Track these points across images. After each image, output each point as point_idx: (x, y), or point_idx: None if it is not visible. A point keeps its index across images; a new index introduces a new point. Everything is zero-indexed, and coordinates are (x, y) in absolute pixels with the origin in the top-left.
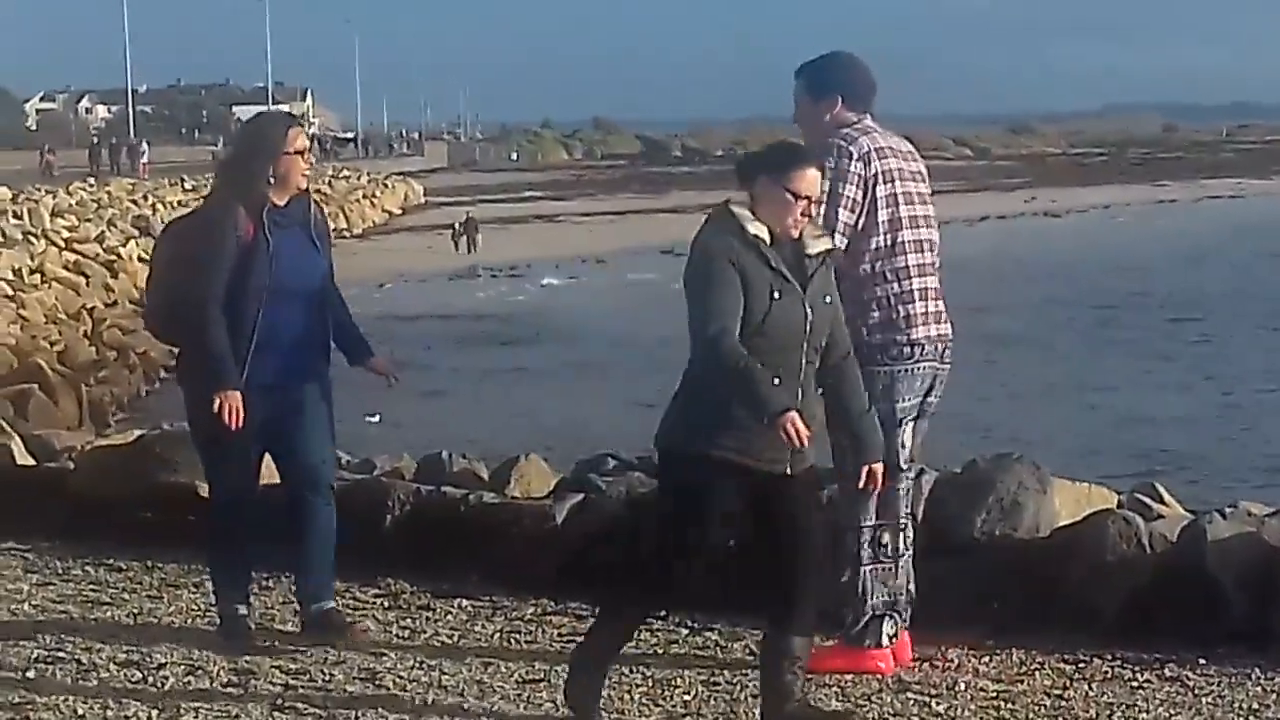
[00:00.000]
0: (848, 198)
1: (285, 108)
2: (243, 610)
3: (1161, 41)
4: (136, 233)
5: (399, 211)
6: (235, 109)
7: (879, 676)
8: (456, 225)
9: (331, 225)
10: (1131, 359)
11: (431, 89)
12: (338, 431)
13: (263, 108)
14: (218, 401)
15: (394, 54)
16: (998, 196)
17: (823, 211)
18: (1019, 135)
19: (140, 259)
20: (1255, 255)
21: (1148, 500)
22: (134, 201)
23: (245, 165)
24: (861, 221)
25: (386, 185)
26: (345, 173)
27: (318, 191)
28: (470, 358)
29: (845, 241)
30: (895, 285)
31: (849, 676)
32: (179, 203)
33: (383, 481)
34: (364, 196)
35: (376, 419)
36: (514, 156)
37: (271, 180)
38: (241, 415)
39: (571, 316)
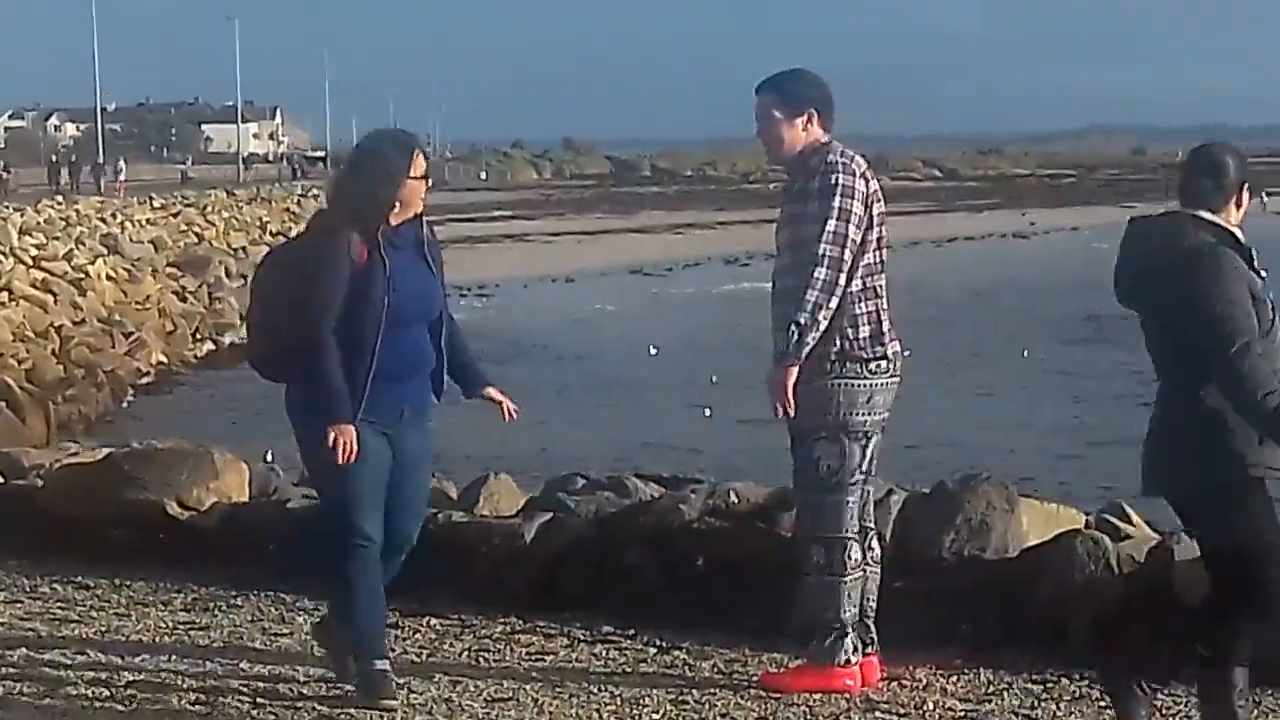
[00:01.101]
0: (855, 214)
1: (253, 126)
2: (386, 666)
3: (1133, 64)
4: (105, 251)
5: None
6: (204, 127)
7: (847, 696)
8: None
9: None
10: (1097, 379)
11: (402, 108)
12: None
13: (230, 125)
14: (331, 436)
15: (364, 72)
16: (966, 217)
17: (831, 228)
18: (987, 156)
19: (108, 277)
20: None
21: (1115, 520)
22: (103, 220)
23: (367, 190)
24: (859, 237)
25: None
26: (315, 191)
27: (285, 210)
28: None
29: (850, 257)
30: (881, 301)
31: (817, 696)
32: (148, 221)
33: None
34: None
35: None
36: (483, 176)
37: (395, 207)
38: (356, 450)
39: (540, 336)
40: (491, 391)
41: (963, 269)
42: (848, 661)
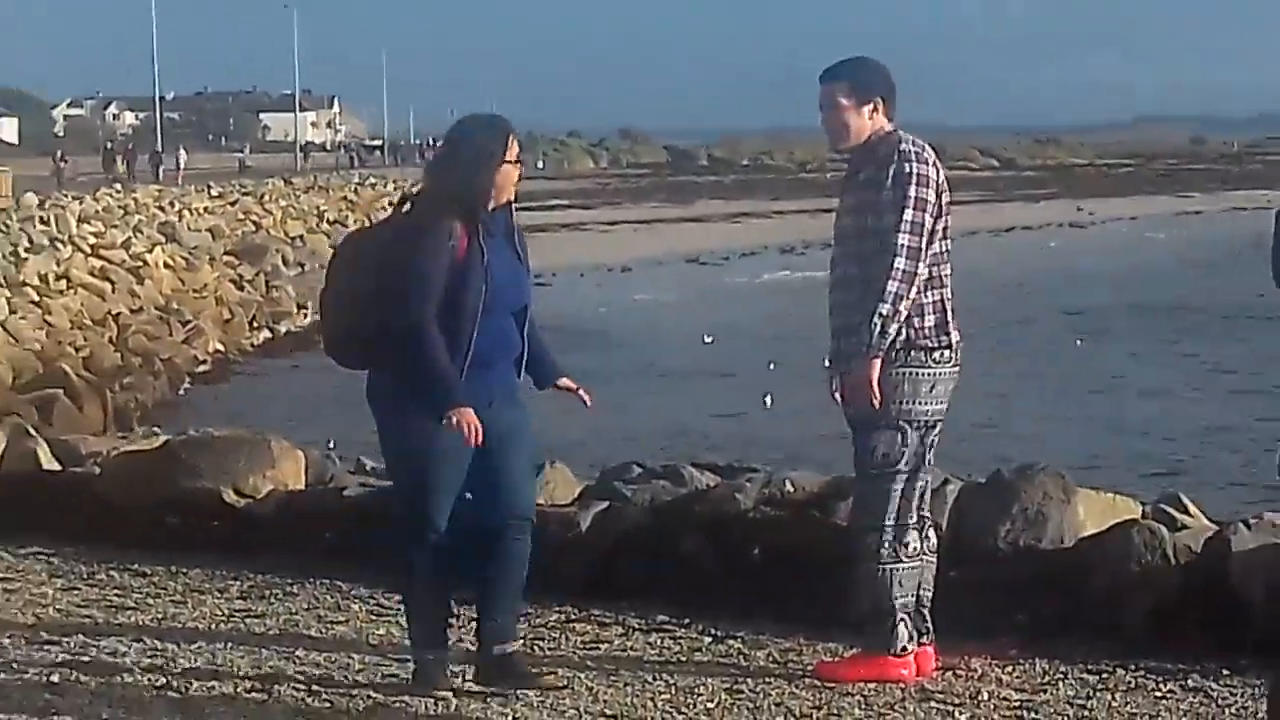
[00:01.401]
0: (930, 203)
1: (311, 115)
2: (441, 656)
3: (1190, 56)
4: (163, 239)
5: None
6: (262, 116)
7: (902, 685)
8: None
9: None
10: (1153, 368)
11: (459, 98)
12: (372, 439)
13: (288, 114)
14: (455, 420)
15: (421, 63)
16: (1023, 207)
17: (908, 217)
18: (1044, 146)
19: (166, 265)
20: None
21: (1172, 511)
22: (160, 208)
23: (464, 172)
24: (933, 226)
25: None
26: (372, 180)
27: (342, 199)
28: None
29: (921, 246)
30: (946, 290)
31: (872, 686)
32: (205, 209)
33: None
34: (390, 204)
35: None
36: (540, 164)
37: (493, 191)
38: (481, 431)
39: (596, 325)
40: (566, 381)
41: (1020, 258)
42: (904, 650)
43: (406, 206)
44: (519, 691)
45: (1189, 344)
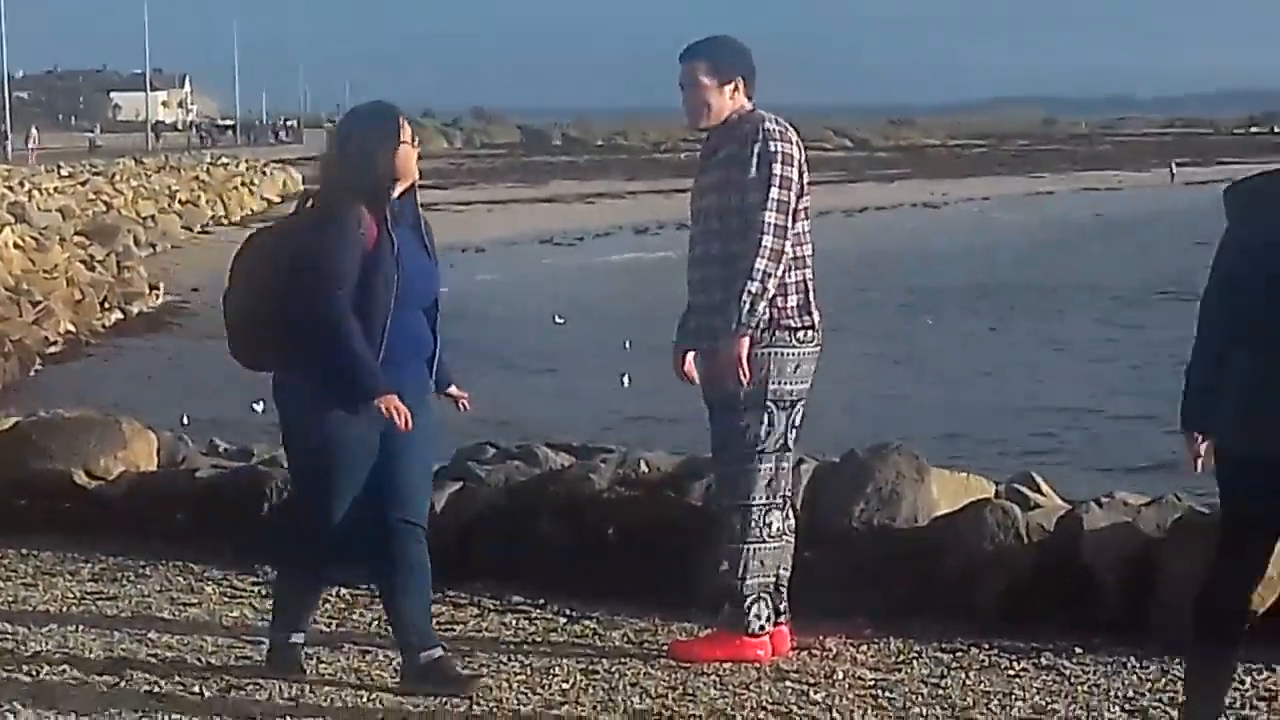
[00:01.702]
0: (793, 180)
1: (162, 95)
2: (298, 640)
3: (1044, 37)
4: (12, 219)
5: (278, 199)
6: (113, 95)
7: (757, 665)
8: None
9: (209, 213)
10: (1003, 347)
11: (311, 77)
12: (225, 420)
13: (139, 93)
14: (385, 409)
15: (273, 41)
16: (877, 187)
17: (774, 195)
18: (898, 127)
19: (15, 246)
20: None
21: (1025, 490)
22: (9, 188)
23: (362, 160)
24: (794, 204)
25: (265, 173)
26: (224, 160)
27: (194, 179)
28: None
29: (787, 225)
30: (808, 270)
31: (727, 666)
32: (55, 189)
33: (260, 470)
34: (242, 184)
35: (260, 407)
36: None
37: (393, 173)
38: (410, 417)
39: (448, 305)
40: (454, 390)
41: (872, 239)
42: (760, 630)
43: (309, 202)
44: (374, 674)
45: (1038, 323)
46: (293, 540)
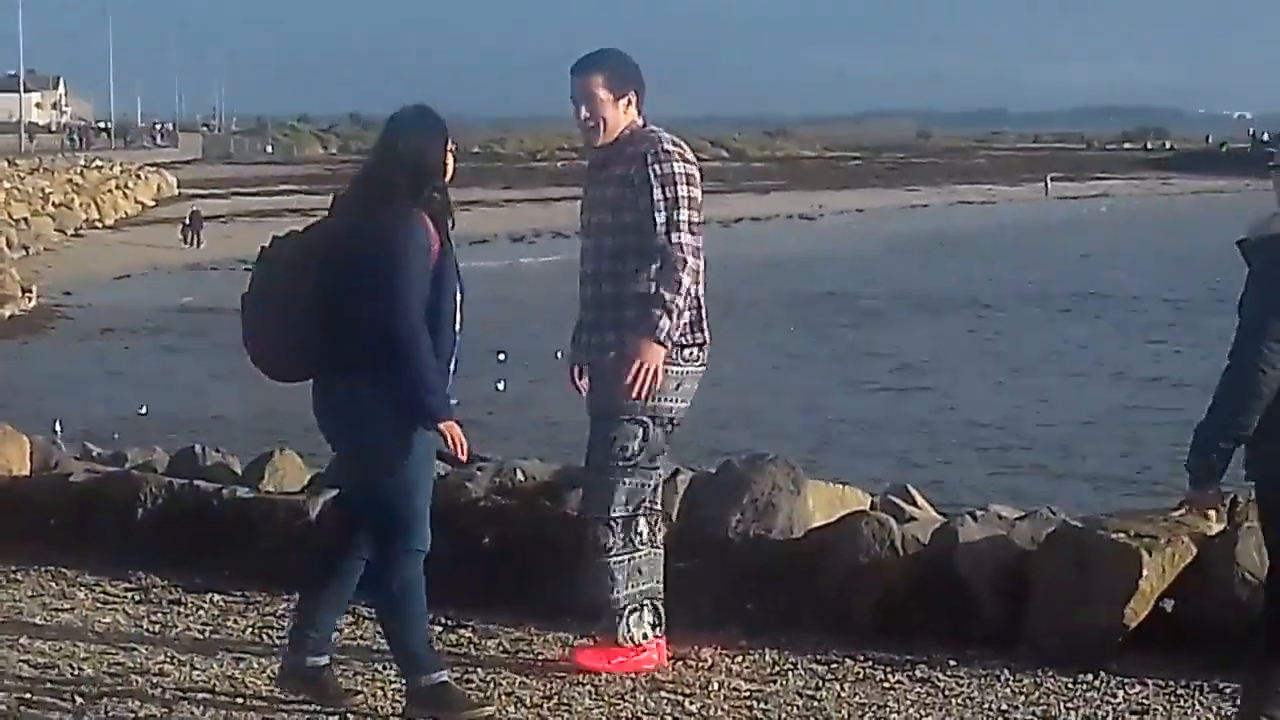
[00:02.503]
0: (695, 199)
1: (36, 96)
2: (323, 661)
3: (918, 51)
4: None
5: (152, 203)
6: None
7: (633, 675)
8: (185, 219)
9: (83, 216)
10: (871, 359)
11: (186, 81)
12: (99, 423)
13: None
14: (447, 436)
15: (150, 44)
16: (752, 199)
17: (685, 216)
18: (774, 138)
19: None
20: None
21: (900, 502)
22: None
23: (420, 164)
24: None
25: (140, 176)
26: (98, 163)
27: (68, 181)
28: (224, 353)
29: (700, 245)
30: (699, 287)
31: (602, 676)
32: None
33: (134, 475)
34: (117, 187)
35: (144, 410)
36: (269, 149)
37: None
38: (466, 445)
39: None
40: None
41: (746, 250)
42: (645, 637)
43: (353, 204)
44: (249, 681)
45: (908, 334)
46: (393, 569)
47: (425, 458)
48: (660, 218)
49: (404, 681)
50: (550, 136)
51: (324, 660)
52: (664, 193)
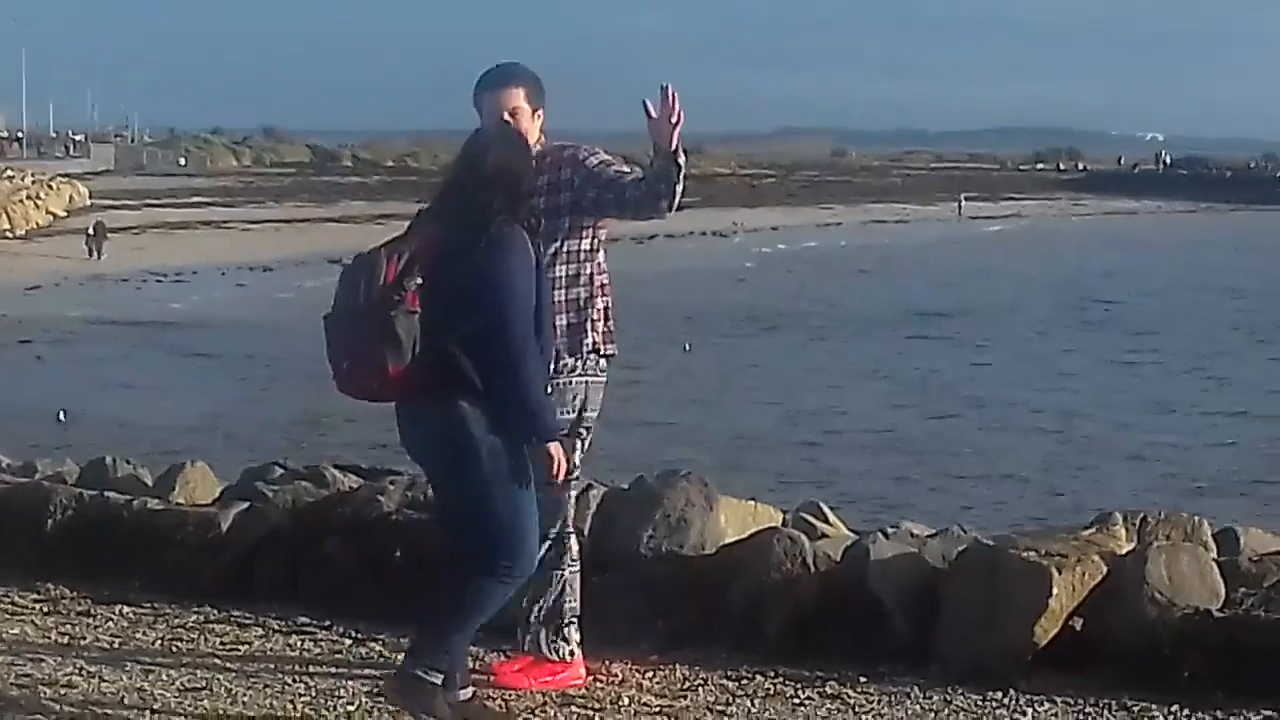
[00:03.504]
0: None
1: None
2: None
3: (834, 68)
4: None
5: (64, 214)
6: None
7: (544, 692)
8: (89, 230)
9: None
10: (796, 377)
11: (101, 92)
12: (22, 429)
13: None
14: (553, 457)
15: (63, 55)
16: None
17: (602, 235)
18: (689, 155)
19: None
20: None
21: (812, 519)
22: None
23: (511, 180)
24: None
25: (51, 187)
26: (9, 173)
27: None
28: (133, 364)
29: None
30: (609, 300)
31: (511, 692)
32: None
33: (44, 485)
34: (28, 198)
35: (63, 417)
36: (183, 162)
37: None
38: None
39: (239, 324)
40: None
41: (656, 267)
42: (572, 654)
43: (447, 221)
44: (158, 693)
45: (814, 351)
46: (489, 584)
47: (529, 478)
48: (589, 236)
49: (402, 660)
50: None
51: (468, 693)
52: (583, 211)
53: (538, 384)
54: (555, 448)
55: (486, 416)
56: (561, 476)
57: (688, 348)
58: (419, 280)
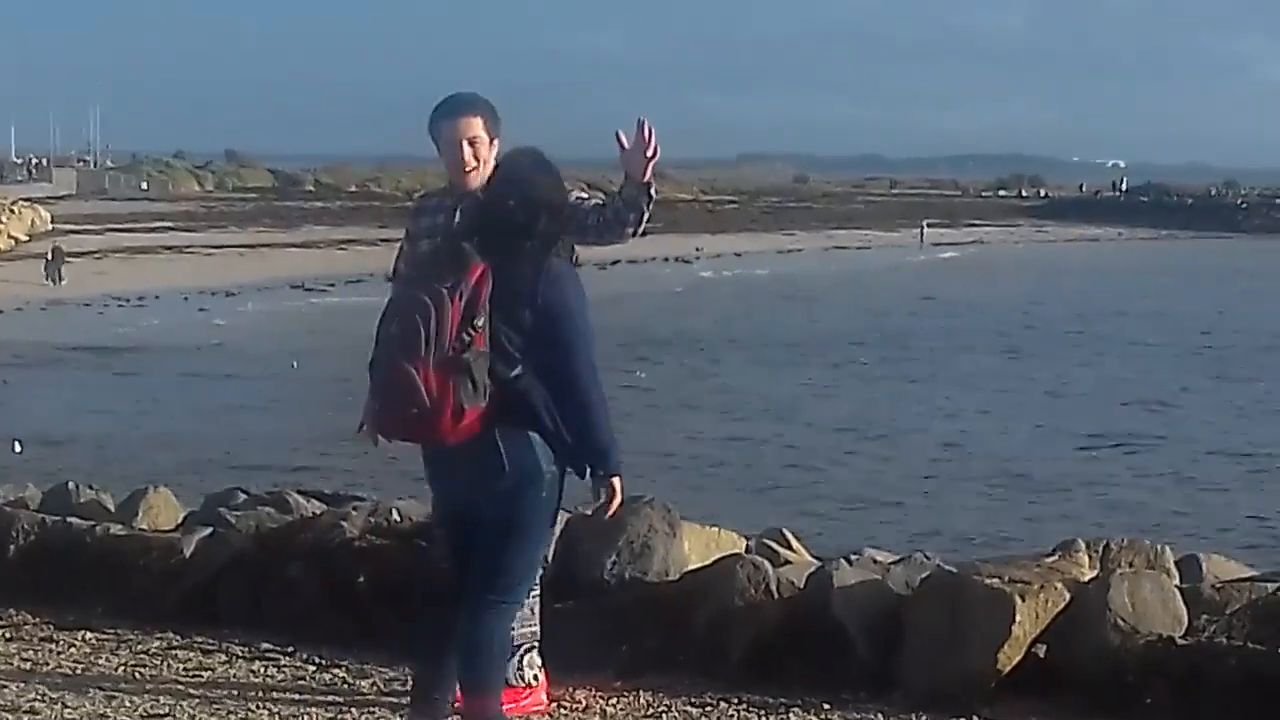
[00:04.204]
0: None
1: None
2: None
3: (796, 94)
4: None
5: (25, 238)
6: None
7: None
8: (48, 255)
9: None
10: (737, 398)
11: (61, 114)
12: None
13: None
14: (616, 490)
15: (24, 77)
16: (630, 241)
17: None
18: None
19: None
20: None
21: (775, 545)
22: None
23: (555, 209)
24: None
25: (13, 211)
26: None
27: None
28: (96, 391)
29: None
30: None
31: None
32: None
33: (6, 511)
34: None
35: (19, 448)
36: (145, 186)
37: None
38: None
39: (198, 348)
40: None
41: (618, 291)
42: (535, 679)
43: (493, 251)
44: (120, 719)
45: (777, 376)
46: (499, 595)
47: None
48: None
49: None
50: (426, 176)
51: None
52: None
53: (606, 415)
54: (619, 481)
55: (554, 449)
56: (617, 511)
57: (640, 375)
58: (482, 319)
